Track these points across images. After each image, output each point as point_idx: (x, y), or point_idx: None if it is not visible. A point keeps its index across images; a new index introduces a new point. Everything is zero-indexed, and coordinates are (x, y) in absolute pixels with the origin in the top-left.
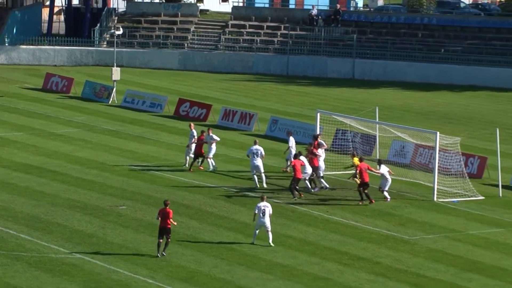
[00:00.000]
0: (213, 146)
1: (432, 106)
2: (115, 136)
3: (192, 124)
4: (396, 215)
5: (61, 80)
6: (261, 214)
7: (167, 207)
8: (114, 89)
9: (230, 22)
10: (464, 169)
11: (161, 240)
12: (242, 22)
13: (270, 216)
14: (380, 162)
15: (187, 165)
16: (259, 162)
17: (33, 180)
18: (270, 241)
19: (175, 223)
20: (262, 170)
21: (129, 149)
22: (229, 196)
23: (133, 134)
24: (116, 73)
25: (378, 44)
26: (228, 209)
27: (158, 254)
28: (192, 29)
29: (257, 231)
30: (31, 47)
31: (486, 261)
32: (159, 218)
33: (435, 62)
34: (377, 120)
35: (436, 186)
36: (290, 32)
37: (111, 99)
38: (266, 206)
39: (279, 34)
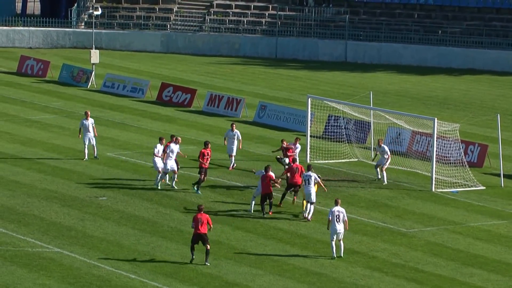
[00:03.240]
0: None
1: (430, 91)
2: (94, 122)
3: (88, 112)
4: (393, 206)
5: (36, 63)
6: (335, 220)
7: (202, 212)
8: (93, 73)
9: (215, 2)
10: (463, 157)
11: (195, 245)
12: (228, 2)
13: (345, 222)
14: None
15: (86, 157)
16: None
17: (7, 169)
18: (341, 253)
19: (211, 227)
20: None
21: (109, 137)
22: (214, 186)
23: (113, 120)
24: (95, 56)
25: (371, 25)
26: (214, 199)
27: (192, 258)
28: (175, 9)
29: (333, 242)
30: (5, 28)
31: (488, 255)
32: (194, 226)
33: (432, 44)
34: (371, 105)
35: (434, 176)
36: (279, 12)
37: (89, 84)
38: (340, 212)
39: (267, 14)
